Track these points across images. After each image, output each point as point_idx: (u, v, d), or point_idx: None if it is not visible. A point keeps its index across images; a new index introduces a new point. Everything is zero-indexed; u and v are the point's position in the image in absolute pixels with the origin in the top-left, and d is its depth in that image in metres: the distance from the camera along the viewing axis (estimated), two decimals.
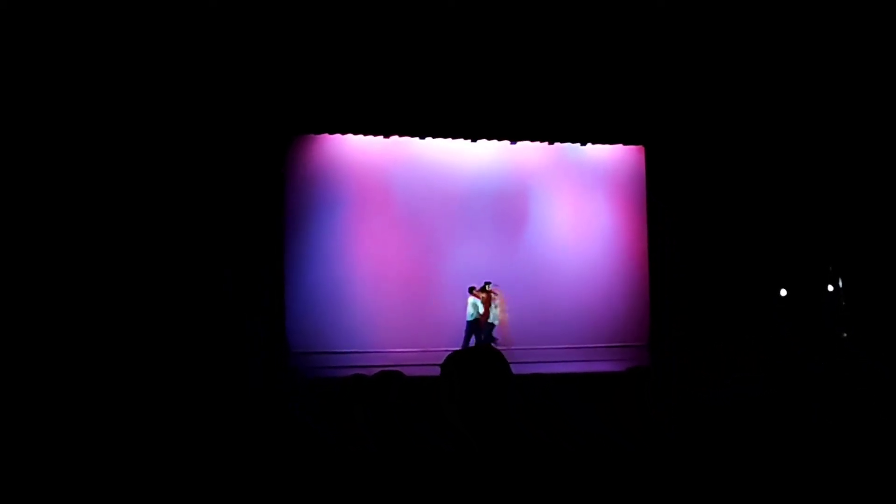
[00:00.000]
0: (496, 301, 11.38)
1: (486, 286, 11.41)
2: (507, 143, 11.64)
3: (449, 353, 1.93)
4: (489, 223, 11.72)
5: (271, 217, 10.46)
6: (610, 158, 12.16)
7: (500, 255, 11.66)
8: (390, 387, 2.56)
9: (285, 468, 1.83)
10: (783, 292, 11.31)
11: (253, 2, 8.58)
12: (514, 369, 2.05)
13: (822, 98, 10.37)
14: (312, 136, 11.16)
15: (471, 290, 11.28)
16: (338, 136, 11.13)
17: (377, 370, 2.77)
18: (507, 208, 11.80)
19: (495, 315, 11.33)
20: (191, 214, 9.34)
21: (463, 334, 11.08)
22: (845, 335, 10.98)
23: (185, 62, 9.11)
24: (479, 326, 11.18)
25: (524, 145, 11.71)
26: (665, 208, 11.50)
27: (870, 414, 1.77)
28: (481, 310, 11.22)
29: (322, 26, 9.03)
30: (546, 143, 11.69)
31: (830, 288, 11.42)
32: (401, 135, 11.09)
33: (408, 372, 2.85)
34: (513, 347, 10.66)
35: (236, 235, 9.94)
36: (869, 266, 10.79)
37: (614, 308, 11.72)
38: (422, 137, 11.27)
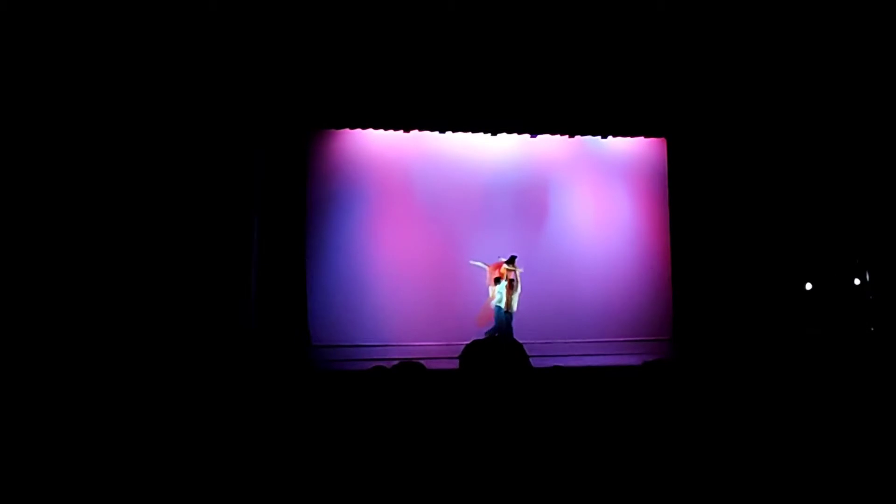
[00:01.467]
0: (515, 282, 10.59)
1: (513, 261, 10.76)
2: (527, 136, 11.61)
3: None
4: (510, 217, 11.69)
5: (293, 211, 10.57)
6: (631, 151, 12.08)
7: (521, 248, 11.60)
8: (410, 379, 2.57)
9: (285, 467, 1.86)
10: (808, 286, 11.14)
11: None
12: (534, 363, 2.06)
13: (847, 90, 10.19)
14: (333, 130, 11.24)
15: (511, 260, 10.61)
16: (358, 130, 11.19)
17: (398, 363, 2.78)
18: (527, 202, 11.77)
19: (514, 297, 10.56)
20: (213, 210, 9.43)
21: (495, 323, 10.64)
22: (872, 329, 10.79)
23: (204, 56, 9.20)
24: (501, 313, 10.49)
25: (544, 139, 11.67)
26: (687, 201, 11.39)
27: (876, 414, 1.76)
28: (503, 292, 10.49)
29: (342, 20, 9.07)
30: (566, 137, 11.64)
31: (857, 281, 11.23)
32: (421, 129, 11.14)
33: (429, 365, 2.86)
34: (533, 341, 10.58)
35: (258, 231, 10.05)
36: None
37: (637, 302, 11.65)
38: (442, 131, 11.32)
